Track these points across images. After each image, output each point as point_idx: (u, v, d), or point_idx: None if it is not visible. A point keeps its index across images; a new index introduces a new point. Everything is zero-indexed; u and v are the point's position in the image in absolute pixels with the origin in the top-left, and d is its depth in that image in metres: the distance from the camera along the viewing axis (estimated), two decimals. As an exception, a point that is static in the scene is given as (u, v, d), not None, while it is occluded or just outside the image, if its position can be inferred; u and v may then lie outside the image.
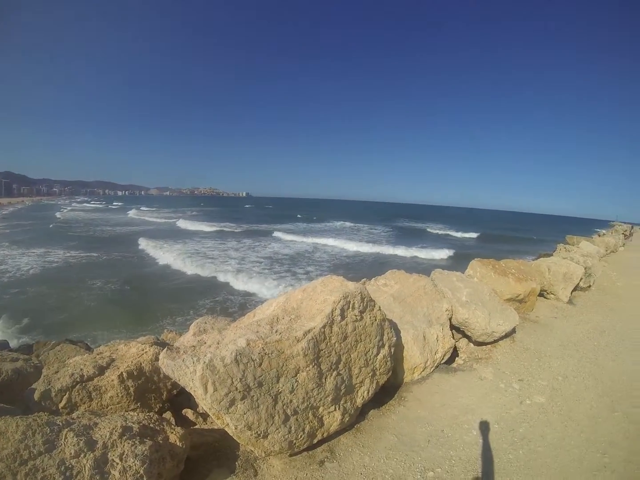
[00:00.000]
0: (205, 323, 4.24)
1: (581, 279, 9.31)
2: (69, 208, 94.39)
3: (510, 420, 4.10)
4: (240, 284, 18.82)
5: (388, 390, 4.43)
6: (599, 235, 27.29)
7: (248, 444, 2.98)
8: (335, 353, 3.31)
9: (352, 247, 35.41)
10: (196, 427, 3.70)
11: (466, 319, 5.30)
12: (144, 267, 24.15)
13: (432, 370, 4.82)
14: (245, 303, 16.27)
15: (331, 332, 3.25)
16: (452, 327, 5.52)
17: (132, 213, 70.79)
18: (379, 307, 3.76)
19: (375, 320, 3.67)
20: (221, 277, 20.24)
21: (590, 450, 3.72)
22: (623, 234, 31.92)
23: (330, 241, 37.92)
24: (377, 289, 5.44)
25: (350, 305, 3.42)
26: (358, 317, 3.49)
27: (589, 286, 10.44)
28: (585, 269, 9.78)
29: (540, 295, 8.48)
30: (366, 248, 35.03)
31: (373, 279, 5.87)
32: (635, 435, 4.04)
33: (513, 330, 5.90)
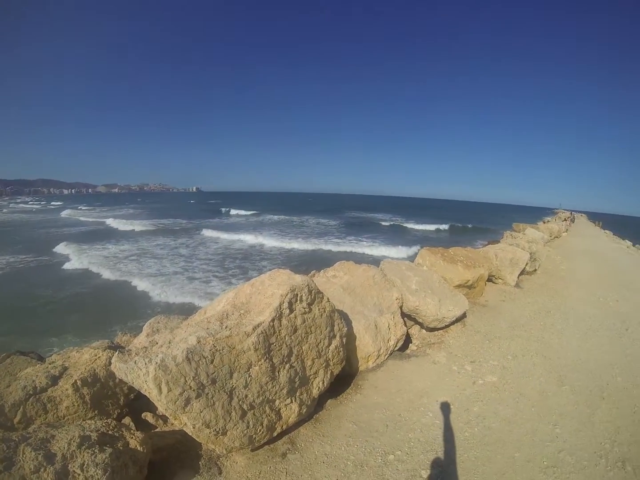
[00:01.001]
0: (158, 323, 4.22)
1: (527, 263, 10.03)
2: (5, 210, 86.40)
3: (465, 400, 4.40)
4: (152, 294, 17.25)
5: (344, 379, 4.60)
6: (544, 222, 29.19)
7: (208, 443, 3.04)
8: (287, 346, 3.42)
9: (294, 244, 33.33)
10: (157, 430, 3.68)
11: (417, 307, 5.59)
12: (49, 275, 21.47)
13: (386, 357, 5.05)
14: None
15: (280, 326, 3.36)
16: (404, 315, 5.79)
17: (65, 213, 65.86)
18: (328, 298, 3.90)
19: (325, 311, 3.81)
20: (138, 284, 18.42)
21: (542, 422, 4.08)
22: (565, 220, 34.29)
23: (266, 239, 34.88)
24: (326, 280, 5.62)
25: (298, 298, 3.54)
26: (307, 310, 3.61)
27: (535, 270, 11.23)
28: (530, 254, 10.54)
29: (489, 280, 9.09)
30: (308, 245, 33.23)
31: (322, 270, 6.05)
32: (583, 406, 4.45)
33: (464, 315, 6.28)
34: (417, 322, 6.00)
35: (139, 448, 2.73)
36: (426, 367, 5.12)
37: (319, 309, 3.76)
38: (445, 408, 4.22)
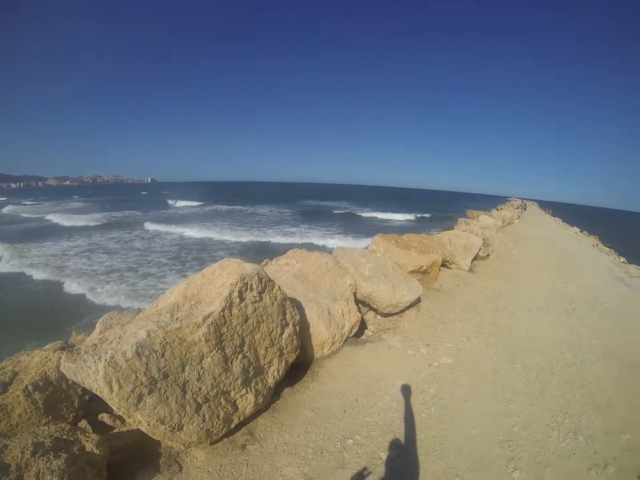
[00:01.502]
0: (111, 319, 4.08)
1: (480, 249, 10.34)
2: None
3: (421, 382, 4.47)
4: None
5: (300, 367, 4.58)
6: (497, 210, 30.28)
7: (165, 439, 2.94)
8: (238, 336, 3.34)
9: (246, 235, 32.12)
10: (115, 430, 3.54)
11: (370, 293, 5.60)
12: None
13: (341, 344, 5.03)
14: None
15: (231, 315, 3.27)
16: (358, 301, 5.80)
17: (7, 209, 60.87)
18: (279, 286, 3.84)
19: (276, 300, 3.75)
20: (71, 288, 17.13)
21: (496, 399, 4.24)
22: (517, 208, 35.78)
23: (216, 232, 32.71)
24: (279, 268, 5.55)
25: (249, 287, 3.45)
26: (257, 298, 3.53)
27: (488, 255, 11.61)
28: (483, 240, 10.87)
29: (443, 265, 9.29)
30: (261, 235, 32.48)
31: (275, 259, 5.99)
32: (534, 382, 4.66)
33: (418, 300, 6.36)
34: (372, 308, 6.02)
35: (95, 451, 2.67)
36: (382, 352, 5.15)
37: (270, 298, 3.69)
38: (402, 391, 4.27)
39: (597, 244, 23.97)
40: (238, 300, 3.35)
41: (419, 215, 54.99)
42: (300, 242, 29.94)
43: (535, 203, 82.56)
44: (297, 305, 4.57)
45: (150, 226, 36.44)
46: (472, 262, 9.96)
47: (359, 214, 55.73)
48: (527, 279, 9.81)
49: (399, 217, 52.53)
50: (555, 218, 43.24)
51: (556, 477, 3.23)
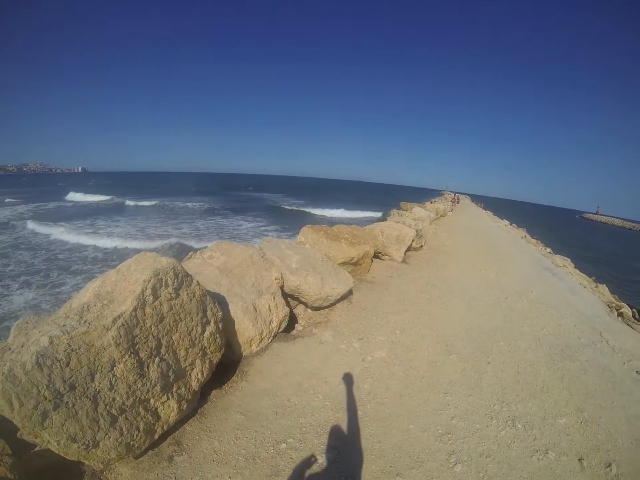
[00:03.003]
0: (27, 324, 3.63)
1: (413, 240, 10.57)
2: None
3: (355, 378, 4.37)
4: None
5: (228, 366, 4.37)
6: (431, 202, 31.56)
7: (80, 458, 2.65)
8: (154, 337, 3.07)
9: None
10: (36, 449, 3.13)
11: (298, 286, 5.44)
12: None
13: (270, 340, 4.86)
14: None
15: (144, 315, 3.01)
16: (287, 295, 5.65)
17: None
18: (197, 281, 3.59)
19: (195, 296, 3.51)
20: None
21: (433, 392, 4.24)
22: (451, 201, 37.57)
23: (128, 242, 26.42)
24: (202, 262, 5.27)
25: (163, 283, 3.20)
26: (173, 295, 3.28)
27: (421, 246, 11.94)
28: (416, 231, 11.14)
29: (376, 257, 9.39)
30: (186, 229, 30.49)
31: (199, 251, 5.69)
32: (470, 372, 4.74)
33: (349, 292, 6.29)
34: (301, 302, 5.87)
35: (9, 475, 2.47)
36: (313, 348, 5.02)
37: (187, 294, 3.44)
38: (336, 388, 4.15)
39: (525, 236, 25.68)
40: (152, 298, 3.09)
41: (353, 209, 54.92)
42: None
43: (467, 197, 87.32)
44: (221, 301, 4.36)
45: (31, 226, 30.72)
46: (405, 254, 10.17)
47: (292, 207, 54.86)
48: (460, 270, 10.16)
49: (334, 212, 51.69)
50: (487, 211, 45.86)
51: (498, 467, 3.26)
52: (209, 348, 3.70)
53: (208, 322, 3.69)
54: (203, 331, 3.61)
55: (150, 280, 3.10)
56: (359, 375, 4.47)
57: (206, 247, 5.86)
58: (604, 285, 14.32)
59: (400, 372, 4.62)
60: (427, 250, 12.27)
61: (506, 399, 4.25)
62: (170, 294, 3.27)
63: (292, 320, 5.58)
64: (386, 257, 9.72)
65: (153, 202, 52.78)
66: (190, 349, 3.47)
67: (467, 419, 3.84)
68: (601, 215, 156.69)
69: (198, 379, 3.54)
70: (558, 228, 66.40)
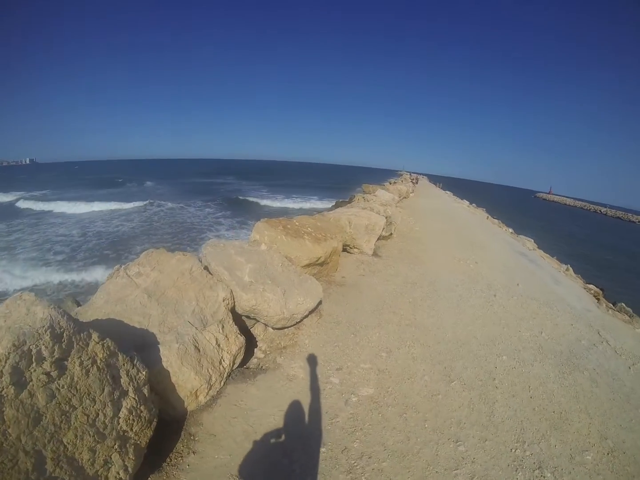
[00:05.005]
0: None
1: (383, 229, 9.55)
2: None
3: (340, 434, 3.33)
4: None
5: (171, 426, 3.21)
6: (392, 184, 30.75)
7: None
8: (27, 453, 1.92)
9: None
10: None
11: (254, 306, 4.25)
12: None
13: (222, 383, 3.68)
14: None
15: (3, 423, 1.87)
16: (240, 315, 4.51)
17: None
18: (99, 337, 2.43)
19: (96, 362, 2.37)
20: None
21: (441, 442, 3.35)
22: (411, 181, 37.10)
23: None
24: (127, 282, 3.96)
25: (34, 357, 2.05)
26: (54, 374, 2.13)
27: (391, 234, 10.99)
28: (386, 218, 10.13)
29: (344, 250, 8.27)
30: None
31: (123, 267, 4.30)
32: (479, 404, 3.92)
33: (319, 303, 5.14)
34: (259, 321, 4.67)
35: None
36: (280, 389, 3.86)
37: (81, 363, 2.30)
38: (315, 455, 3.08)
39: (487, 217, 25.42)
40: (13, 390, 1.93)
41: (304, 196, 51.31)
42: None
43: (424, 177, 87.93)
44: (149, 344, 3.25)
45: None
46: (375, 244, 9.13)
47: (246, 197, 45.78)
48: (437, 262, 9.36)
49: (292, 203, 43.73)
50: (447, 192, 45.86)
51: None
52: (132, 430, 2.53)
53: (124, 394, 2.53)
54: (117, 411, 2.46)
55: (8, 359, 1.93)
56: (345, 428, 3.40)
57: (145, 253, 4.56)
58: (568, 265, 14.19)
59: (396, 416, 3.61)
60: (397, 238, 11.35)
61: (526, 438, 3.51)
62: (47, 373, 2.10)
63: (250, 342, 4.42)
64: (355, 250, 8.66)
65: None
66: (98, 445, 2.29)
67: (489, 475, 3.03)
68: (554, 194, 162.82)
69: (121, 478, 2.37)
70: (515, 208, 67.74)
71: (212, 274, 4.32)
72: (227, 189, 56.17)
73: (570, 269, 13.66)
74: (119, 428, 2.43)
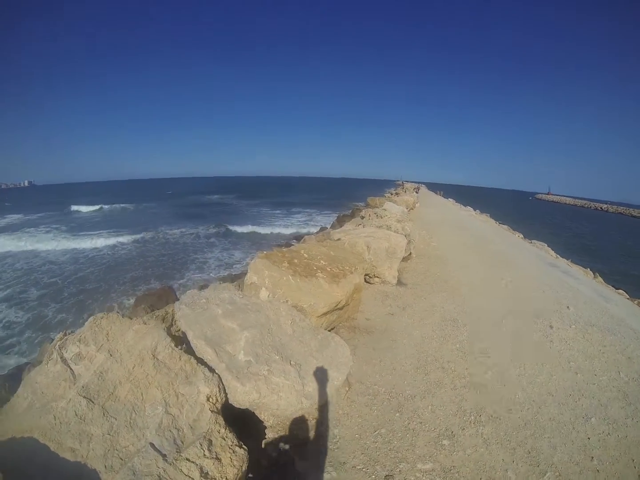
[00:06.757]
0: None
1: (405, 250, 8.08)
2: None
3: None
4: None
5: None
6: (394, 194, 29.27)
7: None
8: None
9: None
10: None
11: (256, 401, 2.79)
12: None
13: None
14: None
15: None
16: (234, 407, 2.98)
17: None
18: None
19: None
20: None
21: None
22: (415, 190, 35.68)
23: None
24: (61, 372, 2.58)
25: None
26: None
27: (410, 254, 9.47)
28: (406, 236, 8.66)
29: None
30: None
31: (59, 343, 2.89)
32: None
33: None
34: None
35: None
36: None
37: None
38: None
39: (498, 223, 24.03)
40: None
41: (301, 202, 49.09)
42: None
43: (423, 185, 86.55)
44: None
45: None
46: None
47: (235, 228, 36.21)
48: (468, 284, 7.88)
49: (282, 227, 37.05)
50: (449, 199, 44.40)
51: None
52: None
53: None
54: None
55: None
56: None
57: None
58: (596, 274, 13.11)
59: None
60: (417, 258, 9.81)
61: None
62: None
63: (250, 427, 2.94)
64: (376, 279, 7.13)
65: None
66: None
67: None
68: (552, 195, 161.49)
69: None
70: (517, 211, 66.21)
71: (186, 354, 2.86)
72: (218, 209, 53.69)
73: (599, 276, 12.56)
74: None
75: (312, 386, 2.91)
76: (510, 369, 4.50)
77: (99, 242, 26.96)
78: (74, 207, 51.52)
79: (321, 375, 3.04)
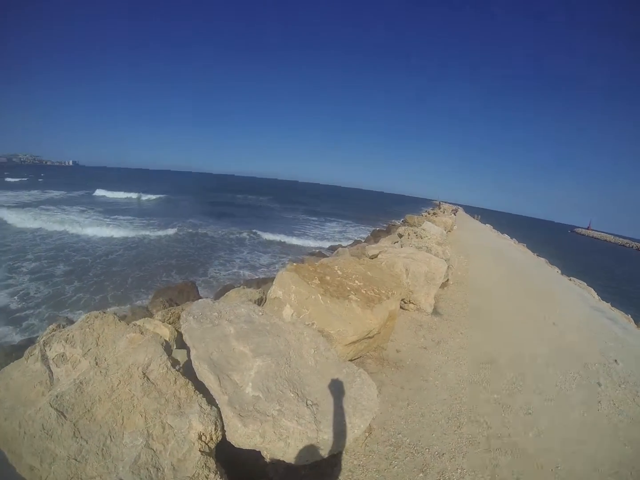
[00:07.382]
0: None
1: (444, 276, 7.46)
2: None
3: None
4: None
5: None
6: (429, 214, 28.38)
7: None
8: None
9: None
10: None
11: (258, 445, 2.21)
12: None
13: None
14: None
15: None
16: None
17: None
18: None
19: None
20: None
21: None
22: (452, 212, 34.66)
23: None
24: (39, 373, 2.24)
25: None
26: None
27: (447, 280, 8.84)
28: (445, 261, 8.03)
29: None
30: None
31: (43, 340, 2.54)
32: None
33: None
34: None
35: None
36: None
37: None
38: None
39: (536, 255, 22.93)
40: None
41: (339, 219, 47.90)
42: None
43: (460, 207, 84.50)
44: None
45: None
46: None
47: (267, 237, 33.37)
48: (510, 320, 7.25)
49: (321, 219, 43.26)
50: (487, 225, 43.00)
51: None
52: None
53: None
54: None
55: None
56: None
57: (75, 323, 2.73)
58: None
59: None
60: (454, 285, 9.16)
61: None
62: None
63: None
64: (411, 306, 6.57)
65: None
66: None
67: None
68: (592, 230, 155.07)
69: None
70: (554, 244, 63.55)
71: (184, 378, 2.41)
72: (251, 211, 52.67)
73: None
74: None
75: (328, 433, 2.40)
76: (554, 432, 3.90)
77: (130, 228, 27.01)
78: (108, 193, 51.59)
79: (340, 420, 2.53)
